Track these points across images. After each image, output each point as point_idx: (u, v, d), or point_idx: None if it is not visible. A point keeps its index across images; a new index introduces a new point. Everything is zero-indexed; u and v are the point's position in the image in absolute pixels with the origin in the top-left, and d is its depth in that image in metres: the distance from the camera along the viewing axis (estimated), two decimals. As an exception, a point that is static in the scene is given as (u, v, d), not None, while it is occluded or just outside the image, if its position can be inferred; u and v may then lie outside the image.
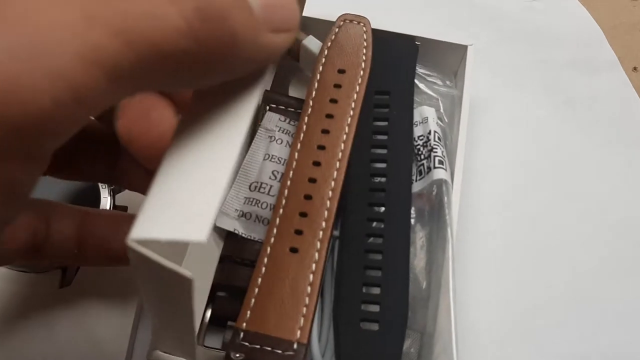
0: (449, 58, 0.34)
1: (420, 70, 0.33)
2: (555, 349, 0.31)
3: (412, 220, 0.29)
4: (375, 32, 0.33)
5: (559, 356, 0.31)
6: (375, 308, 0.25)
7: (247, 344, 0.24)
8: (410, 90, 0.32)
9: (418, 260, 0.29)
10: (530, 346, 0.31)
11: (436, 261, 0.28)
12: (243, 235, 0.27)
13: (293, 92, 0.35)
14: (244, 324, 0.24)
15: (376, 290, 0.26)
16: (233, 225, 0.27)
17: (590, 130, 0.38)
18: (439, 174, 0.29)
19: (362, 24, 0.32)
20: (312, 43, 0.34)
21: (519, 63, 0.40)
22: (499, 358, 0.30)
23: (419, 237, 0.29)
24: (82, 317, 0.28)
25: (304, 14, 0.33)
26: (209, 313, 0.27)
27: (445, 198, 0.29)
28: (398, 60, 0.32)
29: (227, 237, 0.28)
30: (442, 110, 0.32)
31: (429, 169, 0.30)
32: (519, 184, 0.35)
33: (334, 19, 0.32)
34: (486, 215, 0.34)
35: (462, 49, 0.34)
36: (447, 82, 0.34)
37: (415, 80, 0.32)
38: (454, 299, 0.26)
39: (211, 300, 0.27)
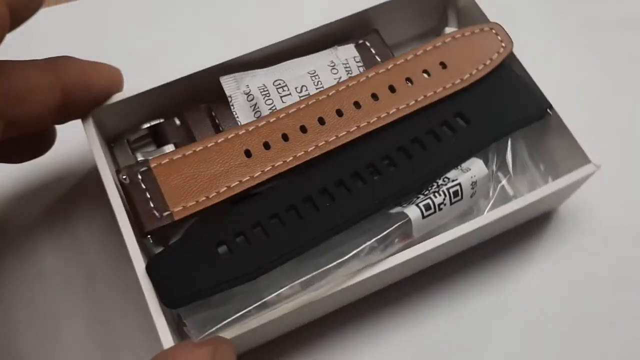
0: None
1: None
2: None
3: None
4: (519, 66, 0.29)
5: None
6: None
7: (140, 177, 0.24)
8: (490, 139, 0.28)
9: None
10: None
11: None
12: (232, 108, 0.27)
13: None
14: (154, 164, 0.25)
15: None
16: (236, 94, 0.27)
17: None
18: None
19: (500, 39, 0.29)
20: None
21: (560, 21, 0.36)
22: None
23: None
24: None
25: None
26: None
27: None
28: (514, 110, 0.28)
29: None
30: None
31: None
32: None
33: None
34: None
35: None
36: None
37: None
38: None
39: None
